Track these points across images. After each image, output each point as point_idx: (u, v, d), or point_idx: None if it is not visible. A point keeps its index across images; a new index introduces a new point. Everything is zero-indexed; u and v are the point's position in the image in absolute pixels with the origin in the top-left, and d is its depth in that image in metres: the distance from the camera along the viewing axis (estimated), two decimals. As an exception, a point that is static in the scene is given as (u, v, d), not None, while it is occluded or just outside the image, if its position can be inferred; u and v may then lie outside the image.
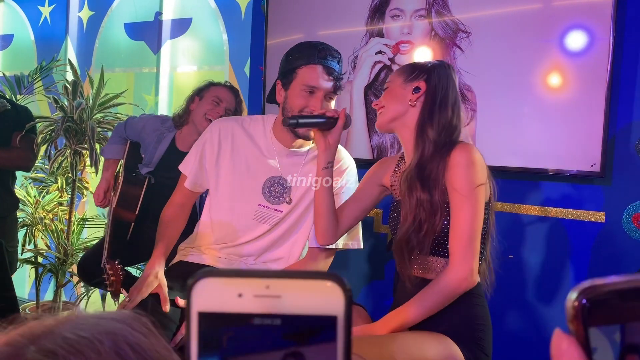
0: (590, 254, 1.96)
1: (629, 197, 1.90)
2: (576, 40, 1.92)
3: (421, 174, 1.42)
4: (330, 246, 1.68)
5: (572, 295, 0.33)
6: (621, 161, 1.91)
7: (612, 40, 1.84)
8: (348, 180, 1.74)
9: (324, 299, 0.35)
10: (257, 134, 1.75)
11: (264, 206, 1.72)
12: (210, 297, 0.35)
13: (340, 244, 1.70)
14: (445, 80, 1.48)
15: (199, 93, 2.30)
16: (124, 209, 2.30)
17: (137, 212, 2.30)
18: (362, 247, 1.77)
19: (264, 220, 1.72)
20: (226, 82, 2.40)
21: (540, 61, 1.97)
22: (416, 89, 1.48)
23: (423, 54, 2.19)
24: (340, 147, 1.76)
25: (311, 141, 1.73)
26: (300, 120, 1.51)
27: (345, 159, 1.76)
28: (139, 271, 2.86)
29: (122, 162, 2.43)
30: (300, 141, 1.72)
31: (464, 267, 1.37)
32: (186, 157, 1.83)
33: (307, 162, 1.72)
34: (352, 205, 1.62)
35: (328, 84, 1.60)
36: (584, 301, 0.33)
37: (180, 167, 1.84)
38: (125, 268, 2.44)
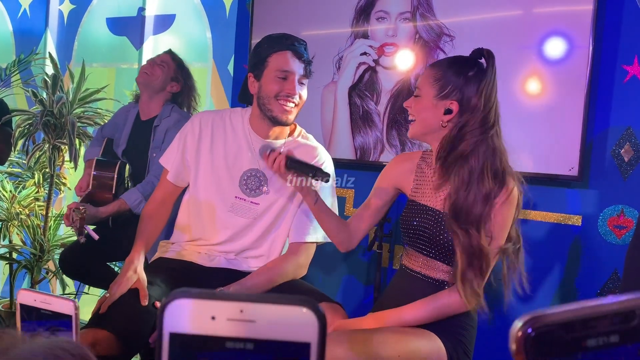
0: (567, 256, 2.00)
1: (605, 201, 1.94)
2: (556, 47, 1.96)
3: (465, 217, 1.39)
4: (310, 240, 1.71)
5: (517, 325, 0.32)
6: (598, 166, 1.95)
7: (591, 48, 1.89)
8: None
9: (298, 325, 0.35)
10: (238, 126, 1.77)
11: (240, 198, 1.72)
12: (183, 318, 0.35)
13: (320, 237, 1.72)
14: (482, 93, 1.42)
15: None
16: (99, 190, 2.30)
17: (113, 192, 2.29)
18: None
19: (241, 213, 1.72)
20: (168, 50, 2.53)
21: (520, 67, 2.01)
22: (447, 111, 1.44)
23: (407, 57, 2.21)
24: (316, 143, 1.80)
25: (287, 133, 1.76)
26: (293, 164, 1.51)
27: (322, 155, 1.78)
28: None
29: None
30: (276, 131, 1.73)
31: (469, 298, 1.39)
32: (167, 150, 1.83)
33: (283, 152, 1.71)
34: (370, 208, 1.62)
35: (299, 68, 1.65)
36: (529, 331, 0.32)
37: (161, 161, 1.83)
38: (107, 263, 2.43)
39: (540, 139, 1.98)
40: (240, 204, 1.72)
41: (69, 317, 0.62)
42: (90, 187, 2.29)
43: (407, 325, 1.41)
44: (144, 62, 3.37)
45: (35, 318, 0.64)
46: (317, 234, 1.73)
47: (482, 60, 1.49)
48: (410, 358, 1.31)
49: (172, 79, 2.40)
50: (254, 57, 1.71)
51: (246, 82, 1.76)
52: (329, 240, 1.74)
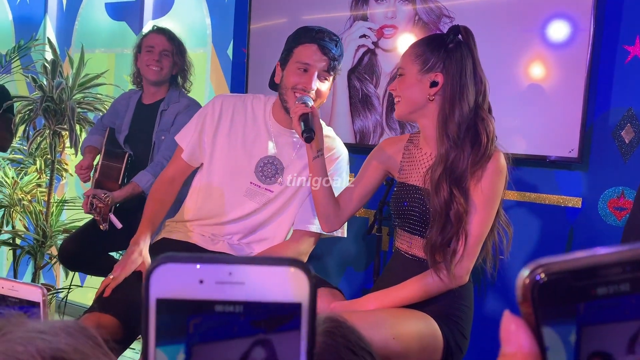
0: (567, 238, 2.00)
1: (605, 183, 1.94)
2: (557, 29, 1.94)
3: (452, 177, 1.39)
4: (314, 230, 1.70)
5: (523, 273, 0.31)
6: (598, 148, 1.94)
7: (592, 29, 1.86)
8: (340, 169, 1.74)
9: (288, 285, 0.34)
10: (258, 113, 1.76)
11: (255, 184, 1.72)
12: (170, 283, 0.34)
13: (317, 227, 1.71)
14: (463, 64, 1.42)
15: (138, 49, 2.41)
16: (107, 180, 2.30)
17: (120, 183, 2.29)
18: (345, 235, 1.78)
19: (253, 197, 1.73)
20: (153, 27, 2.48)
21: (520, 49, 1.99)
22: (433, 83, 1.43)
23: (407, 39, 2.19)
24: (335, 136, 1.79)
25: None
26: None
27: (339, 148, 1.77)
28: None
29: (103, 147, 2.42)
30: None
31: (464, 265, 1.41)
32: (184, 128, 1.81)
33: (302, 146, 1.71)
34: (356, 190, 1.61)
35: (321, 62, 1.61)
36: (537, 278, 0.31)
37: (177, 138, 1.81)
38: (109, 254, 2.44)
39: (541, 121, 1.97)
40: (255, 189, 1.72)
41: (37, 304, 0.61)
42: (97, 174, 2.28)
43: (396, 305, 1.42)
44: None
45: (3, 305, 0.62)
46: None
47: (460, 37, 1.48)
48: (405, 340, 1.32)
49: (175, 61, 2.39)
50: (285, 47, 1.70)
51: (274, 72, 1.74)
52: (334, 235, 1.74)
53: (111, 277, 1.59)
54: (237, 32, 2.77)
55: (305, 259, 1.76)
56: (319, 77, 1.62)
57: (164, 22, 3.29)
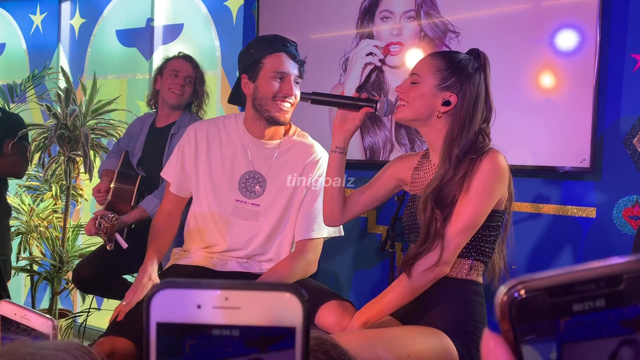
0: (582, 249, 1.98)
1: (619, 192, 1.92)
2: (565, 39, 1.94)
3: (438, 198, 1.40)
4: (316, 236, 1.73)
5: (502, 291, 0.31)
6: (610, 157, 1.93)
7: (598, 38, 1.87)
8: (322, 172, 1.76)
9: (282, 310, 0.36)
10: (232, 130, 1.81)
11: (241, 201, 1.76)
12: (170, 308, 0.36)
13: (325, 233, 1.75)
14: (478, 90, 1.43)
15: (160, 72, 2.43)
16: (119, 201, 2.33)
17: (132, 205, 2.32)
18: (342, 234, 1.81)
19: (243, 216, 1.75)
20: (179, 52, 2.50)
21: (529, 60, 1.99)
22: (446, 102, 1.43)
23: (413, 55, 2.21)
24: (312, 141, 1.83)
25: (282, 132, 1.79)
26: (319, 97, 1.50)
27: (317, 152, 1.80)
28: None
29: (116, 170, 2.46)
30: (272, 131, 1.77)
31: (448, 259, 1.39)
32: (167, 163, 1.88)
33: (279, 155, 1.77)
34: (366, 193, 1.62)
35: (294, 69, 1.69)
36: (515, 295, 0.31)
37: (163, 174, 1.89)
38: (123, 277, 2.46)
39: (551, 131, 1.96)
40: (242, 206, 1.76)
41: (47, 336, 0.61)
42: (110, 195, 2.32)
43: (385, 313, 1.43)
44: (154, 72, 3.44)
45: (14, 332, 0.63)
46: (322, 230, 1.74)
47: (478, 61, 1.49)
48: (420, 357, 1.31)
49: (198, 85, 2.43)
50: (247, 59, 1.73)
51: (239, 83, 1.78)
52: (335, 235, 1.77)
53: (124, 303, 1.62)
54: (245, 54, 2.81)
55: (314, 268, 1.78)
56: (294, 83, 1.69)
57: (174, 47, 3.35)
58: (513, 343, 0.31)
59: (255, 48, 1.72)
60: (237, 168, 1.77)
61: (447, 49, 2.12)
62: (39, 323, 0.62)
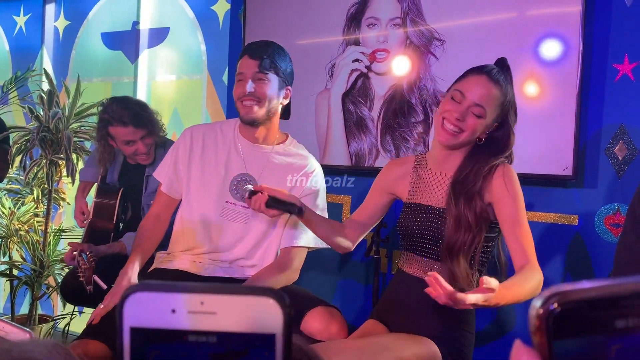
0: (565, 256, 2.00)
1: (600, 200, 1.94)
2: (547, 49, 1.97)
3: (465, 187, 1.46)
4: (301, 244, 1.74)
5: (537, 303, 0.30)
6: (592, 165, 1.95)
7: (581, 48, 1.89)
8: (315, 183, 1.79)
9: (262, 316, 0.34)
10: (228, 134, 1.82)
11: (231, 203, 1.75)
12: (143, 312, 0.34)
13: (311, 241, 1.75)
14: (515, 110, 1.51)
15: (105, 136, 2.29)
16: (101, 219, 2.29)
17: (114, 221, 2.29)
18: (328, 246, 1.78)
19: (232, 217, 1.75)
20: (113, 100, 2.33)
21: (513, 68, 2.00)
22: (491, 129, 1.50)
23: (399, 62, 2.22)
24: (307, 153, 1.84)
25: (276, 139, 1.81)
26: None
27: (312, 163, 1.81)
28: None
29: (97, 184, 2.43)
30: (261, 134, 1.78)
31: (538, 266, 1.41)
32: (160, 164, 1.87)
33: (272, 159, 1.78)
34: (363, 216, 1.65)
35: (252, 68, 1.70)
36: (551, 308, 0.29)
37: (155, 174, 1.87)
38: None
39: (535, 139, 1.98)
40: (231, 208, 1.75)
41: None
42: (91, 214, 2.28)
43: (518, 301, 1.38)
44: (139, 76, 3.41)
45: None
46: (307, 238, 1.74)
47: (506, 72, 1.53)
48: None
49: (149, 135, 2.27)
50: None
51: None
52: (321, 246, 1.76)
53: (101, 306, 1.60)
54: (232, 58, 2.80)
55: (296, 276, 1.77)
56: (254, 81, 1.70)
57: (160, 51, 3.33)
58: (547, 358, 0.29)
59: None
60: (230, 170, 1.77)
61: (432, 57, 2.14)
62: (16, 336, 0.60)
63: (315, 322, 1.56)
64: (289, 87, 1.79)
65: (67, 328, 2.84)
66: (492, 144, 1.48)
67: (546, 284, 2.01)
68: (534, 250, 1.43)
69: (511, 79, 1.51)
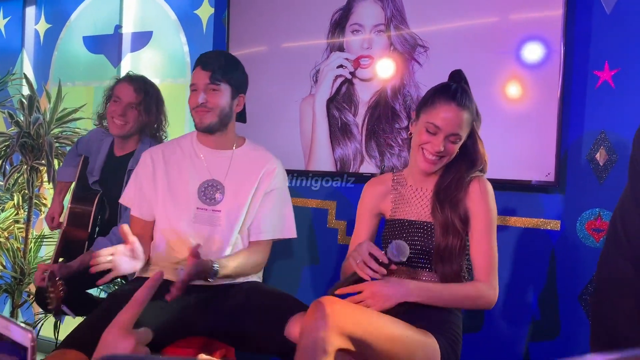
0: (548, 261, 2.02)
1: (582, 206, 1.96)
2: (528, 56, 1.99)
3: (449, 196, 1.56)
4: (267, 238, 1.85)
5: None
6: (574, 171, 1.98)
7: (562, 55, 1.91)
8: (278, 181, 1.88)
9: None
10: (186, 145, 1.90)
11: (201, 209, 1.81)
12: None
13: (277, 235, 1.87)
14: (479, 119, 1.62)
15: (109, 96, 2.32)
16: (75, 227, 2.24)
17: (89, 230, 2.24)
18: (295, 236, 1.92)
19: (205, 222, 1.81)
20: (129, 72, 2.39)
21: (496, 75, 2.03)
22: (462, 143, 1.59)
23: (383, 68, 2.22)
24: (266, 151, 1.93)
25: (233, 144, 1.89)
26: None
27: (273, 162, 1.90)
28: (104, 292, 2.79)
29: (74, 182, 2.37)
30: (219, 140, 1.86)
31: (495, 284, 1.53)
32: (125, 190, 1.93)
33: (235, 162, 1.86)
34: (360, 239, 1.69)
35: (204, 79, 1.79)
36: None
37: (122, 201, 1.94)
38: (87, 291, 2.39)
39: (517, 145, 2.00)
40: (202, 213, 1.81)
41: (25, 348, 0.60)
42: (65, 222, 2.22)
43: (441, 303, 1.50)
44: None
45: None
46: (274, 232, 1.86)
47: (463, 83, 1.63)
48: (412, 344, 1.34)
49: (146, 112, 2.25)
50: None
51: None
52: (287, 237, 1.90)
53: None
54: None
55: (261, 267, 1.89)
56: (206, 91, 1.79)
57: (142, 55, 3.30)
58: None
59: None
60: (195, 178, 1.83)
61: (415, 64, 2.15)
62: (18, 335, 0.61)
63: (298, 327, 1.57)
64: (243, 95, 1.89)
65: (37, 334, 2.80)
66: (464, 152, 1.58)
67: (529, 289, 2.04)
68: (495, 268, 1.54)
69: (469, 90, 1.60)
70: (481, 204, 1.53)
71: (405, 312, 1.47)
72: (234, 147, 1.89)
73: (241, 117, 1.94)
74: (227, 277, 1.75)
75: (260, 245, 1.85)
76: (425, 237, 1.56)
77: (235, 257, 1.77)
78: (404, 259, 1.41)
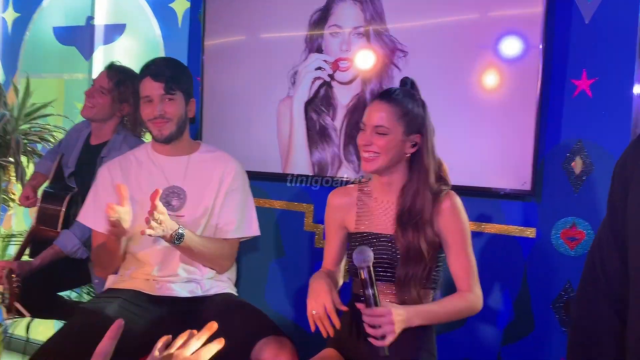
0: (523, 268, 2.03)
1: (557, 214, 1.98)
2: (506, 64, 1.97)
3: (413, 218, 1.54)
4: (234, 236, 1.91)
5: None
6: (550, 179, 1.98)
7: (541, 65, 1.91)
8: (238, 181, 1.94)
9: None
10: (142, 156, 1.93)
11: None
12: None
13: (246, 233, 1.93)
14: (429, 119, 1.59)
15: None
16: (44, 226, 2.20)
17: (59, 229, 2.20)
18: (259, 234, 1.99)
19: None
20: (113, 61, 2.40)
21: (471, 85, 2.02)
22: (414, 144, 1.56)
23: (362, 72, 2.19)
24: (222, 152, 1.98)
25: (190, 149, 1.95)
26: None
27: (231, 161, 1.96)
28: (82, 295, 2.73)
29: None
30: (175, 147, 1.90)
31: (479, 293, 1.58)
32: (83, 209, 1.93)
33: (192, 166, 1.90)
34: (332, 255, 1.73)
35: (159, 89, 1.81)
36: None
37: (81, 220, 1.93)
38: (58, 294, 2.34)
39: (494, 154, 2.00)
40: None
41: None
42: (34, 219, 2.19)
43: (441, 320, 1.57)
44: (94, 73, 3.28)
45: None
46: (239, 230, 1.90)
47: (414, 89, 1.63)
48: None
49: (120, 101, 2.28)
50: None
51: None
52: (252, 235, 1.95)
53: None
54: (190, 58, 2.71)
55: (229, 264, 1.93)
56: (162, 102, 1.82)
57: (116, 48, 3.21)
58: None
59: (137, 77, 1.91)
60: (155, 186, 1.80)
61: (394, 68, 2.12)
62: None
63: (265, 352, 1.58)
64: (193, 99, 1.94)
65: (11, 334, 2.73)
66: (415, 162, 1.58)
67: (504, 296, 2.05)
68: (476, 277, 1.58)
69: (416, 95, 1.60)
70: (455, 221, 1.55)
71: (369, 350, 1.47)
72: (190, 152, 1.93)
73: (192, 119, 1.98)
74: (191, 253, 1.77)
75: (227, 242, 1.90)
76: (391, 250, 1.56)
77: (202, 236, 1.82)
78: (370, 262, 1.40)
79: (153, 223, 1.61)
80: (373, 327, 1.34)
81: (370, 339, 1.34)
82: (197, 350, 0.88)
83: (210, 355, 0.92)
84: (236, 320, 1.67)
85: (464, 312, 1.57)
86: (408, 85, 1.62)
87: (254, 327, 1.65)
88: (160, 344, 0.91)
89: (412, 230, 1.52)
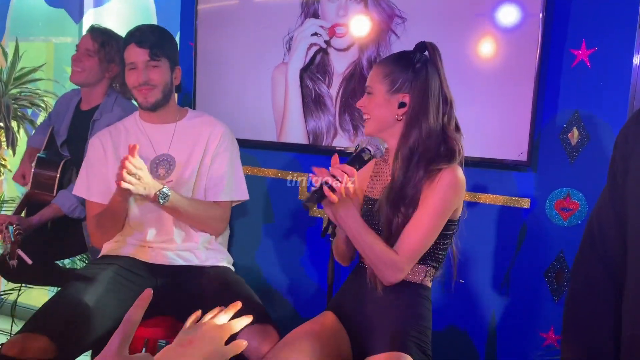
0: (516, 238, 2.05)
1: (552, 185, 1.98)
2: (506, 33, 1.94)
3: (404, 195, 1.45)
4: (224, 199, 1.90)
5: None
6: (546, 150, 1.98)
7: (540, 33, 1.88)
8: (225, 144, 1.93)
9: None
10: (131, 125, 1.93)
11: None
12: None
13: (235, 196, 1.92)
14: (428, 84, 1.46)
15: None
16: (39, 191, 2.19)
17: (55, 194, 2.19)
18: (248, 198, 1.98)
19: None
20: (92, 24, 2.36)
21: (470, 55, 1.99)
22: (401, 104, 1.48)
23: (359, 38, 2.15)
24: (210, 117, 1.98)
25: (177, 116, 1.94)
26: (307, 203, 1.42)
27: (219, 125, 1.95)
28: (77, 265, 2.73)
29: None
30: (161, 116, 1.90)
31: (405, 269, 1.44)
32: (77, 181, 1.91)
33: (179, 132, 1.91)
34: None
35: (143, 55, 1.80)
36: None
37: (77, 193, 1.91)
38: (56, 262, 2.34)
39: (491, 125, 1.98)
40: None
41: None
42: (29, 184, 2.17)
43: (352, 238, 1.46)
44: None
45: None
46: (230, 193, 1.91)
47: (427, 53, 1.52)
48: None
49: (107, 62, 2.25)
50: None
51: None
52: (241, 199, 1.95)
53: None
54: (183, 23, 2.65)
55: (222, 226, 1.93)
56: (147, 69, 1.81)
57: (105, 10, 3.13)
58: None
59: (123, 43, 1.89)
60: (145, 155, 1.83)
61: (392, 35, 2.09)
62: None
63: (248, 340, 1.58)
64: (179, 67, 1.93)
65: (15, 302, 2.74)
66: (406, 128, 1.49)
67: (498, 265, 2.07)
68: (417, 254, 1.45)
69: (415, 57, 1.50)
70: (437, 191, 1.42)
71: (378, 312, 1.47)
72: (177, 119, 1.93)
73: (177, 87, 1.97)
74: (179, 214, 1.77)
75: (218, 204, 1.89)
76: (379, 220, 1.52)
77: (190, 198, 1.83)
78: (371, 148, 1.41)
79: (131, 178, 1.61)
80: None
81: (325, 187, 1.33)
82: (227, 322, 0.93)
83: (241, 326, 0.99)
84: (226, 304, 1.67)
85: (380, 263, 1.43)
86: (419, 48, 1.53)
87: (241, 313, 1.65)
88: (191, 319, 0.98)
89: (392, 208, 1.44)
